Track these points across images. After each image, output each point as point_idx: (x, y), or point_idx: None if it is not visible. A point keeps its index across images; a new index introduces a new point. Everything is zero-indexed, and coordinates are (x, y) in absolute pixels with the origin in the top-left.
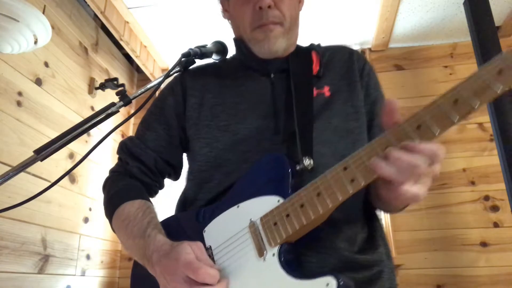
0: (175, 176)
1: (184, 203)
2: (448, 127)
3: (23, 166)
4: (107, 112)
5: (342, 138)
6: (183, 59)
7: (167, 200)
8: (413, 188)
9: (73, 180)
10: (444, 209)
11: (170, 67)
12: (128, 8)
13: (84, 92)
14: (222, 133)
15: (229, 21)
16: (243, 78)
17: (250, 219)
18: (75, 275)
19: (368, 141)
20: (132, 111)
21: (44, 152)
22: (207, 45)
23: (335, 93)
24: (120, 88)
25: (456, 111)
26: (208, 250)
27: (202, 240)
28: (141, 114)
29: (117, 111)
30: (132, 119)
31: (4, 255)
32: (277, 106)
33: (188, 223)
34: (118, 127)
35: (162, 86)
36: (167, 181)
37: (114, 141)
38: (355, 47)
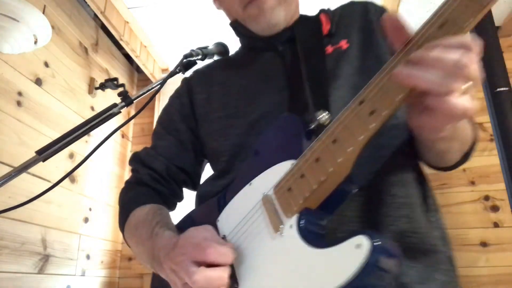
0: (193, 184)
1: (199, 199)
2: (478, 13)
3: (25, 167)
4: (108, 113)
5: None
6: (184, 60)
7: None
8: (461, 100)
9: (73, 180)
10: (444, 209)
11: (170, 67)
12: (128, 8)
13: (84, 92)
14: (234, 119)
15: (222, 9)
16: (250, 61)
17: (263, 193)
18: (75, 275)
19: None
20: (132, 112)
21: (46, 153)
22: (208, 46)
23: (354, 45)
24: (120, 88)
25: None
26: (223, 239)
27: (216, 231)
28: (142, 114)
29: (119, 112)
30: (133, 120)
31: (4, 255)
32: (290, 77)
33: (202, 218)
34: (120, 128)
35: (163, 86)
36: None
37: (115, 141)
38: None
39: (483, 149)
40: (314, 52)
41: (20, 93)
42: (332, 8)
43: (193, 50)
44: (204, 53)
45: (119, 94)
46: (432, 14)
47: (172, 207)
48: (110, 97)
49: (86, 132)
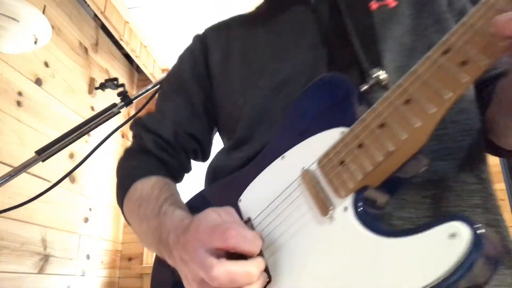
0: (203, 154)
1: (213, 174)
2: None
3: (25, 167)
4: (108, 113)
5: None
6: None
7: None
8: None
9: (73, 180)
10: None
11: (170, 67)
12: (128, 8)
13: (84, 92)
14: (258, 78)
15: None
16: (275, 15)
17: (303, 168)
18: (75, 275)
19: None
20: (132, 111)
21: (45, 152)
22: None
23: (404, 2)
24: (120, 88)
25: None
26: (247, 223)
27: (238, 213)
28: (142, 114)
29: (119, 112)
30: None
31: (4, 255)
32: (325, 32)
33: (218, 197)
34: (120, 128)
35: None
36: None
37: (115, 141)
38: None
39: None
40: (357, 6)
41: (20, 93)
42: None
43: None
44: None
45: (119, 94)
46: None
47: (179, 180)
48: (110, 97)
49: (86, 132)
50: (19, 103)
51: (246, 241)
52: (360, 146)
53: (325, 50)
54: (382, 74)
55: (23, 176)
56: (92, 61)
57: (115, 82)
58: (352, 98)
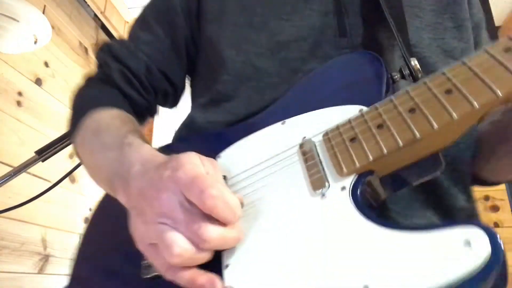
0: (173, 99)
1: (187, 131)
2: None
3: (25, 167)
4: None
5: (445, 59)
6: None
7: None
8: None
9: (73, 180)
10: None
11: None
12: (128, 8)
13: None
14: (257, 32)
15: None
16: None
17: (304, 137)
18: None
19: None
20: None
21: (45, 152)
22: None
23: None
24: None
25: None
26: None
27: None
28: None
29: None
30: None
31: (4, 255)
32: (345, 2)
33: (192, 150)
34: None
35: None
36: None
37: None
38: None
39: None
40: None
41: (20, 93)
42: None
43: None
44: None
45: None
46: None
47: (142, 122)
48: None
49: None
50: (19, 103)
51: (226, 207)
52: (380, 126)
53: (336, 18)
54: (417, 65)
55: (23, 176)
56: (92, 61)
57: None
58: (382, 80)
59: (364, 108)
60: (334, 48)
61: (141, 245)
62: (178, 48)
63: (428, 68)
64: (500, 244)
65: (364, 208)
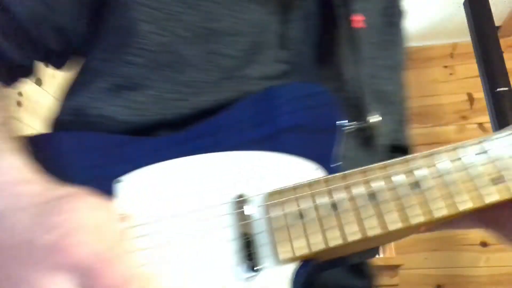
0: (60, 61)
1: (74, 118)
2: None
3: None
4: None
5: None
6: None
7: None
8: None
9: None
10: None
11: None
12: None
13: None
14: (188, 10)
15: None
16: None
17: (242, 192)
18: None
19: None
20: None
21: None
22: None
23: (372, 31)
24: None
25: None
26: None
27: (106, 194)
28: None
29: None
30: None
31: None
32: (292, 4)
33: (87, 157)
34: None
35: None
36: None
37: None
38: None
39: None
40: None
41: (20, 93)
42: None
43: None
44: None
45: None
46: None
47: (10, 84)
48: None
49: None
50: (19, 103)
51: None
52: (334, 206)
53: (282, 24)
54: (376, 117)
55: None
56: None
57: None
58: (339, 133)
59: (321, 170)
60: (273, 59)
61: None
62: (84, 1)
63: (363, 108)
64: None
65: None
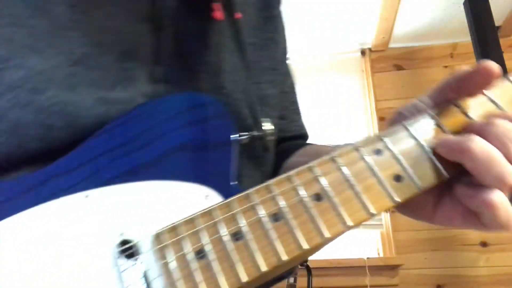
0: None
1: None
2: None
3: None
4: None
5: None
6: None
7: None
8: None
9: None
10: None
11: None
12: None
13: None
14: (32, 11)
15: None
16: None
17: (121, 234)
18: None
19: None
20: None
21: None
22: None
23: (251, 30)
24: None
25: None
26: None
27: None
28: None
29: None
30: None
31: None
32: (162, 12)
33: None
34: None
35: None
36: None
37: None
38: (355, 47)
39: None
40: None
41: None
42: None
43: None
44: None
45: None
46: None
47: None
48: None
49: None
50: None
51: None
52: (238, 236)
53: (154, 35)
54: (269, 126)
55: None
56: None
57: None
58: (232, 147)
59: (214, 194)
60: (146, 79)
61: None
62: None
63: (237, 117)
64: None
65: None
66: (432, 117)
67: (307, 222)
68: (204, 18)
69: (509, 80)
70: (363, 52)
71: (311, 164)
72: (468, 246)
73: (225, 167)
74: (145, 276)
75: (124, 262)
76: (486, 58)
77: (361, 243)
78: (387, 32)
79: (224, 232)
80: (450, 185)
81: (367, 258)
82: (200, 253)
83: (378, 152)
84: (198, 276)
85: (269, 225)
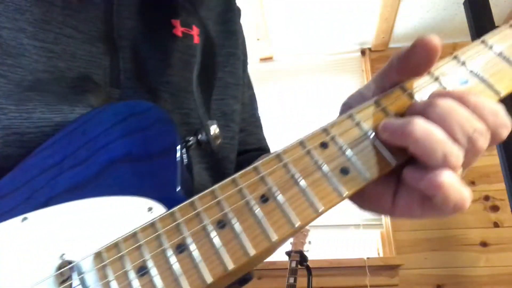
0: None
1: None
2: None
3: None
4: None
5: (226, 122)
6: None
7: None
8: (453, 181)
9: None
10: None
11: None
12: None
13: None
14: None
15: None
16: None
17: (62, 255)
18: None
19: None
20: None
21: None
22: None
23: (208, 44)
24: None
25: None
26: None
27: None
28: None
29: None
30: None
31: None
32: (120, 33)
33: None
34: None
35: None
36: None
37: None
38: (355, 47)
39: None
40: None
41: None
42: None
43: None
44: None
45: None
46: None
47: None
48: None
49: None
50: None
51: None
52: (181, 249)
53: (110, 56)
54: (215, 129)
55: None
56: None
57: None
58: (174, 152)
59: (157, 207)
60: (106, 101)
61: None
62: None
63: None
64: None
65: None
66: (377, 103)
67: (253, 226)
68: (164, 35)
69: (455, 58)
70: (363, 52)
71: (256, 164)
72: (468, 246)
73: (169, 176)
74: None
75: (64, 285)
76: None
77: (361, 243)
78: (387, 32)
79: (167, 245)
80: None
81: (367, 258)
82: (142, 270)
83: (324, 145)
84: None
85: (213, 233)
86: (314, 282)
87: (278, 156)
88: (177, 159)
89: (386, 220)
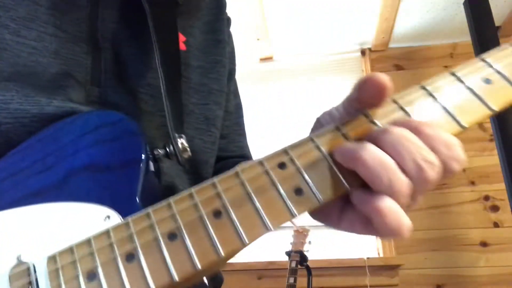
0: None
1: None
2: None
3: None
4: None
5: (208, 127)
6: None
7: None
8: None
9: None
10: (444, 209)
11: None
12: None
13: None
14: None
15: None
16: None
17: (18, 256)
18: None
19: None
20: None
21: None
22: None
23: (194, 52)
24: None
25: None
26: None
27: None
28: None
29: None
30: None
31: None
32: (103, 35)
33: None
34: None
35: None
36: None
37: None
38: (355, 47)
39: (483, 149)
40: (167, 24)
41: None
42: None
43: None
44: None
45: None
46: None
47: None
48: None
49: None
50: None
51: None
52: (130, 257)
53: (92, 55)
54: (183, 144)
55: None
56: None
57: None
58: (140, 164)
59: (115, 215)
60: (85, 99)
61: None
62: None
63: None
64: None
65: None
66: (338, 128)
67: (203, 240)
68: (147, 40)
69: (422, 87)
70: (363, 52)
71: (214, 179)
72: (468, 246)
73: (130, 187)
74: None
75: (17, 285)
76: None
77: (361, 243)
78: (387, 32)
79: (117, 253)
80: None
81: (367, 258)
82: (92, 276)
83: (282, 165)
84: None
85: (163, 244)
86: (314, 282)
87: (236, 174)
88: (140, 172)
89: None
